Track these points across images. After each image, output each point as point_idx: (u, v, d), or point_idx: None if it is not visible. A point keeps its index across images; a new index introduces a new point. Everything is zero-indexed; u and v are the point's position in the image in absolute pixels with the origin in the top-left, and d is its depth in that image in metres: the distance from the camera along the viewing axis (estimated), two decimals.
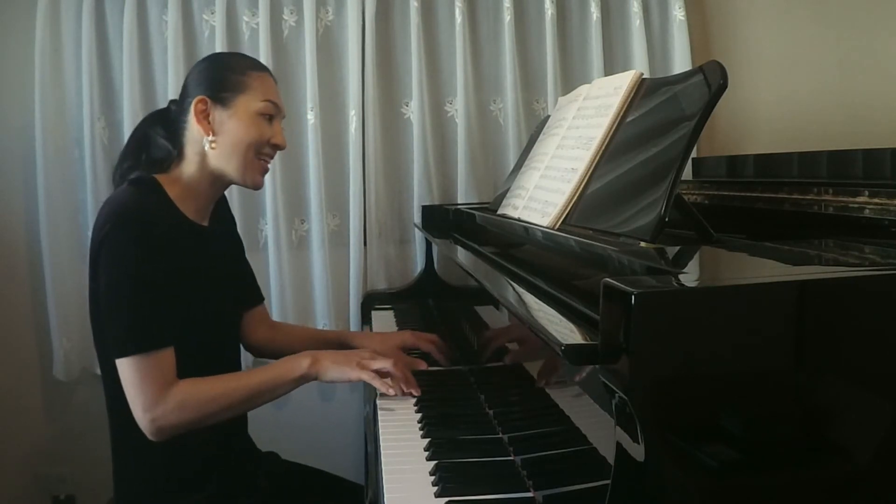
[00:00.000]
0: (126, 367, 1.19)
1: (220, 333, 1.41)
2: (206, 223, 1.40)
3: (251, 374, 1.31)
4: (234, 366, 1.44)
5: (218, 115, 1.32)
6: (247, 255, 1.60)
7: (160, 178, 1.32)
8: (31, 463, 2.25)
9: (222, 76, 1.33)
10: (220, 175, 1.35)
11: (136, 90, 2.07)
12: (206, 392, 1.24)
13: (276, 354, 1.48)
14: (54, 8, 2.06)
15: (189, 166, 1.34)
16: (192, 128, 1.32)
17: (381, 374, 1.33)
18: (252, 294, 1.59)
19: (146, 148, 1.37)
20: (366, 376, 1.31)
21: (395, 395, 1.32)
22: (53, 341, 2.10)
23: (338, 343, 1.56)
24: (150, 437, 1.21)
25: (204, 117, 1.32)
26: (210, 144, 1.31)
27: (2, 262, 2.19)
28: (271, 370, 1.31)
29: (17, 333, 2.21)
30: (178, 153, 1.35)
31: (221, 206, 1.48)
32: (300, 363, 1.31)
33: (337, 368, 1.31)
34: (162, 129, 1.37)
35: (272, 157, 1.39)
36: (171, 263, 1.23)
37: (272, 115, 1.35)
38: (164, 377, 1.20)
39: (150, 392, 1.19)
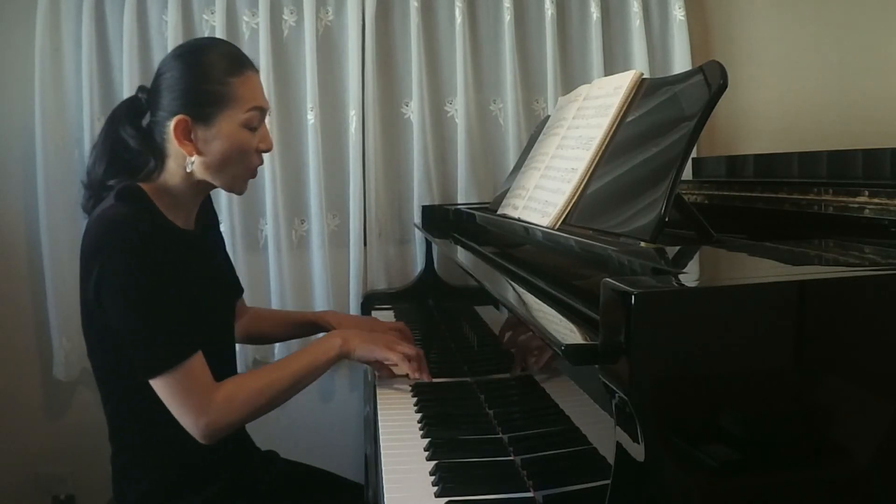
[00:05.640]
0: (162, 386, 1.18)
1: (220, 334, 1.41)
2: (193, 228, 1.37)
3: (289, 362, 1.33)
4: (232, 363, 1.44)
5: (201, 133, 1.24)
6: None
7: (145, 187, 1.26)
8: (31, 463, 2.24)
9: (201, 90, 1.24)
10: (206, 185, 1.31)
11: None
12: (251, 387, 1.25)
13: (257, 340, 1.71)
14: (54, 8, 2.06)
15: (173, 178, 1.28)
16: (174, 144, 1.25)
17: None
18: (237, 286, 1.60)
19: (120, 152, 1.28)
20: (393, 357, 1.36)
21: (414, 378, 1.39)
22: (53, 341, 2.11)
23: (312, 324, 1.63)
24: (203, 441, 1.20)
25: (186, 137, 1.24)
26: (195, 164, 1.26)
27: (2, 262, 2.18)
28: (308, 355, 1.33)
29: (17, 333, 2.21)
30: (159, 164, 1.27)
31: (203, 204, 1.43)
32: (333, 343, 1.35)
33: (365, 347, 1.37)
34: (133, 129, 1.27)
35: (262, 161, 1.35)
36: (171, 275, 1.21)
37: (257, 124, 1.29)
38: (202, 383, 1.19)
39: (195, 401, 1.18)
